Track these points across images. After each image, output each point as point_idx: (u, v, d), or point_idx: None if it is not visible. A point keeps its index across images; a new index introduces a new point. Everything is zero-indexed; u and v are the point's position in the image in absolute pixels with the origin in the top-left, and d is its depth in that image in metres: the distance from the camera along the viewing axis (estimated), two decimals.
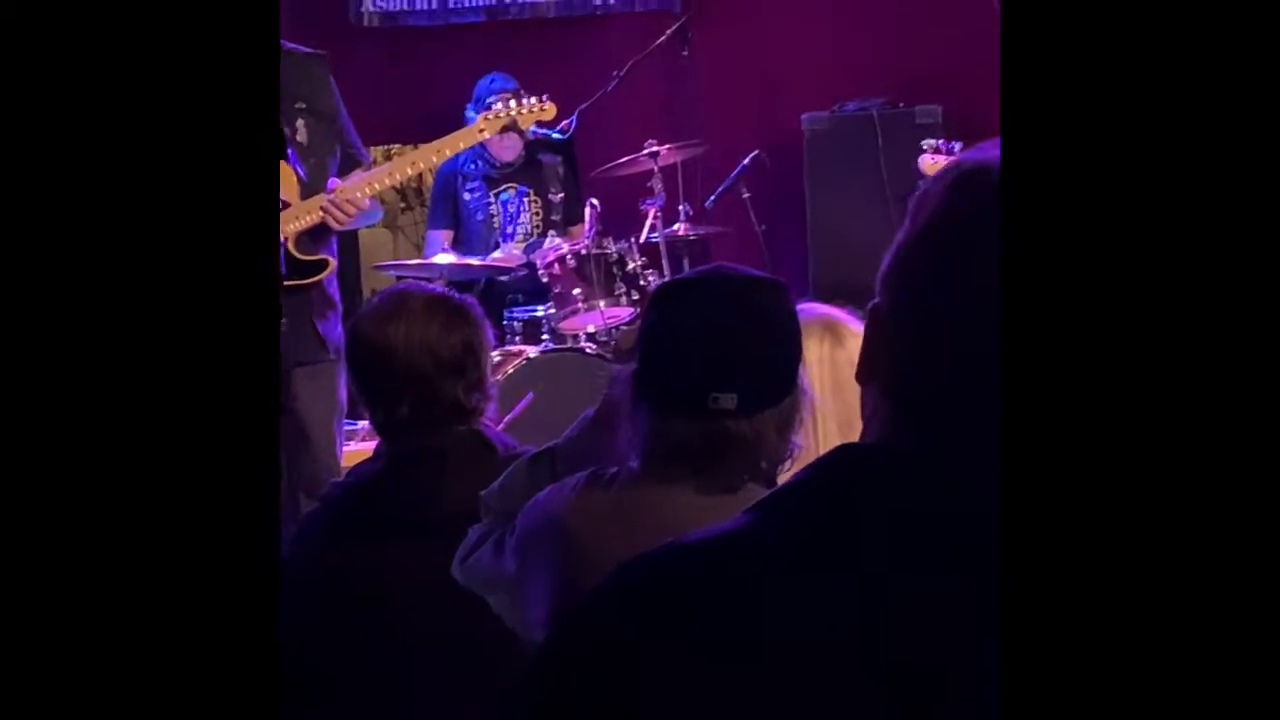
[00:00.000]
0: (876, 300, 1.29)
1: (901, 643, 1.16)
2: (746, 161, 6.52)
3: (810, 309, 2.42)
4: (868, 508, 1.22)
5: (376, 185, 4.47)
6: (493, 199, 6.41)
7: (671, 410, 2.17)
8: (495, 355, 5.55)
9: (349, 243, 6.82)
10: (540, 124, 6.12)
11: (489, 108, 4.84)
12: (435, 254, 6.23)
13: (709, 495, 2.14)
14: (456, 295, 2.99)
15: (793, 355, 2.18)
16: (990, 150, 1.27)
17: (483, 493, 2.48)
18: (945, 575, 1.18)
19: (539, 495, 2.30)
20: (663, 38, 6.68)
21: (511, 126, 4.81)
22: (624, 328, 5.73)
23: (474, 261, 6.05)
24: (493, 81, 6.08)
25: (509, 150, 6.35)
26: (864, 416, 1.30)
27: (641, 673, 1.18)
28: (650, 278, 5.80)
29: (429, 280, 5.06)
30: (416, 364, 2.81)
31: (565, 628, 1.29)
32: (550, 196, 6.38)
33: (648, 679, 1.18)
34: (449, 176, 6.46)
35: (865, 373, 1.30)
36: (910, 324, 1.26)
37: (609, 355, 5.56)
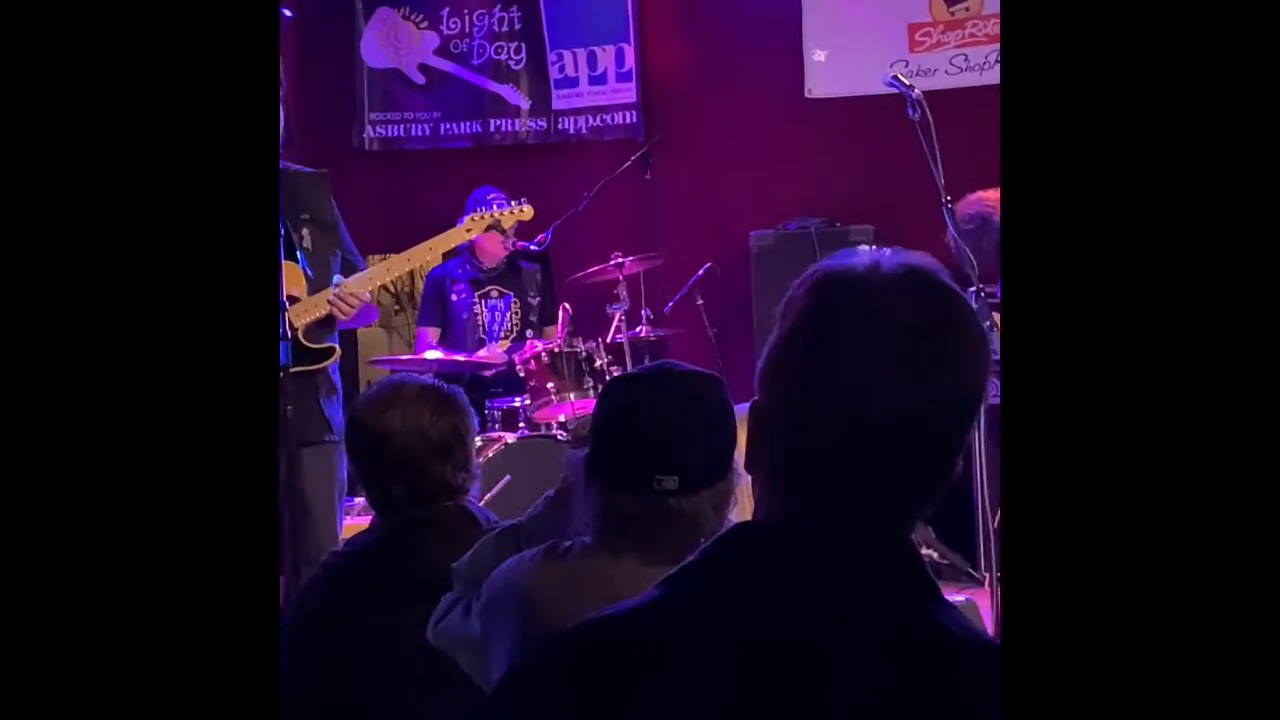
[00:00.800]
0: (756, 397, 1.32)
1: (792, 693, 1.19)
2: (700, 273, 6.58)
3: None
4: (754, 574, 1.26)
5: (377, 281, 4.52)
6: (478, 301, 6.45)
7: (620, 489, 2.20)
8: (478, 441, 5.56)
9: (349, 340, 6.85)
10: (520, 238, 6.20)
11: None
12: (425, 349, 6.27)
13: (652, 565, 2.15)
14: (445, 386, 3.01)
15: (729, 441, 2.21)
16: (843, 257, 1.30)
17: (454, 564, 2.49)
18: (819, 626, 1.22)
19: (502, 565, 2.31)
20: (628, 163, 6.76)
21: (495, 226, 4.84)
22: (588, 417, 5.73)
23: (460, 358, 6.08)
24: (484, 192, 6.13)
25: (493, 256, 6.40)
26: (754, 497, 1.34)
27: None
28: (615, 373, 5.83)
29: (420, 373, 5.09)
30: (410, 447, 2.83)
31: (502, 693, 1.31)
32: (529, 300, 6.44)
33: None
34: (439, 279, 6.50)
35: (750, 460, 1.34)
36: (784, 414, 1.28)
37: (573, 442, 5.57)
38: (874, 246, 6.71)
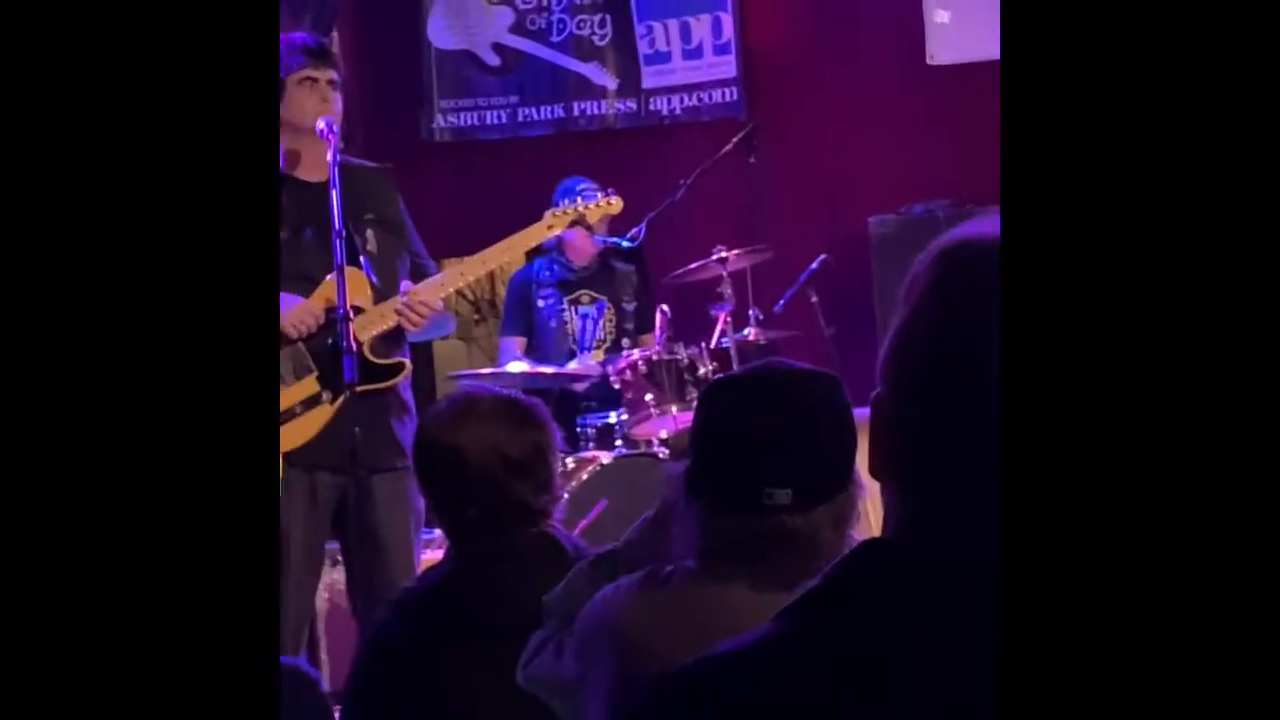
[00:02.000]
0: (878, 390, 1.28)
1: None
2: (814, 265, 6.54)
3: None
4: (884, 606, 1.22)
5: (450, 286, 4.53)
6: (567, 306, 6.44)
7: (725, 507, 2.18)
8: (569, 462, 5.57)
9: (423, 355, 6.87)
10: (611, 233, 6.18)
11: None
12: (509, 361, 6.26)
13: (765, 593, 2.13)
14: (523, 397, 3.01)
15: (847, 449, 2.18)
16: (970, 226, 1.27)
17: (545, 597, 2.48)
18: (948, 667, 1.18)
19: (596, 596, 2.30)
20: (729, 146, 6.72)
21: (579, 221, 4.83)
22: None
23: (548, 370, 6.07)
24: (573, 183, 6.11)
25: (583, 255, 6.38)
26: (883, 509, 1.29)
27: None
28: None
29: (504, 388, 5.10)
30: (485, 466, 2.83)
31: None
32: (624, 305, 6.42)
33: None
34: (523, 283, 6.49)
35: (875, 465, 1.29)
36: (910, 409, 1.25)
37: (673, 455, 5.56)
38: None
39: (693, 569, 2.22)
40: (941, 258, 1.26)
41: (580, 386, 6.19)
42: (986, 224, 1.26)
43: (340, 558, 4.71)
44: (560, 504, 4.84)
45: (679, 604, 2.19)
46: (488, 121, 7.78)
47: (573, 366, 6.20)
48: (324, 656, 5.21)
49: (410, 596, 2.90)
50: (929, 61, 7.12)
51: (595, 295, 6.47)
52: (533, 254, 6.41)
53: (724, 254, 6.10)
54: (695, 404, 5.60)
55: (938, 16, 7.09)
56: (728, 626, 1.34)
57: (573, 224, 4.81)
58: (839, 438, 2.18)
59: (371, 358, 4.33)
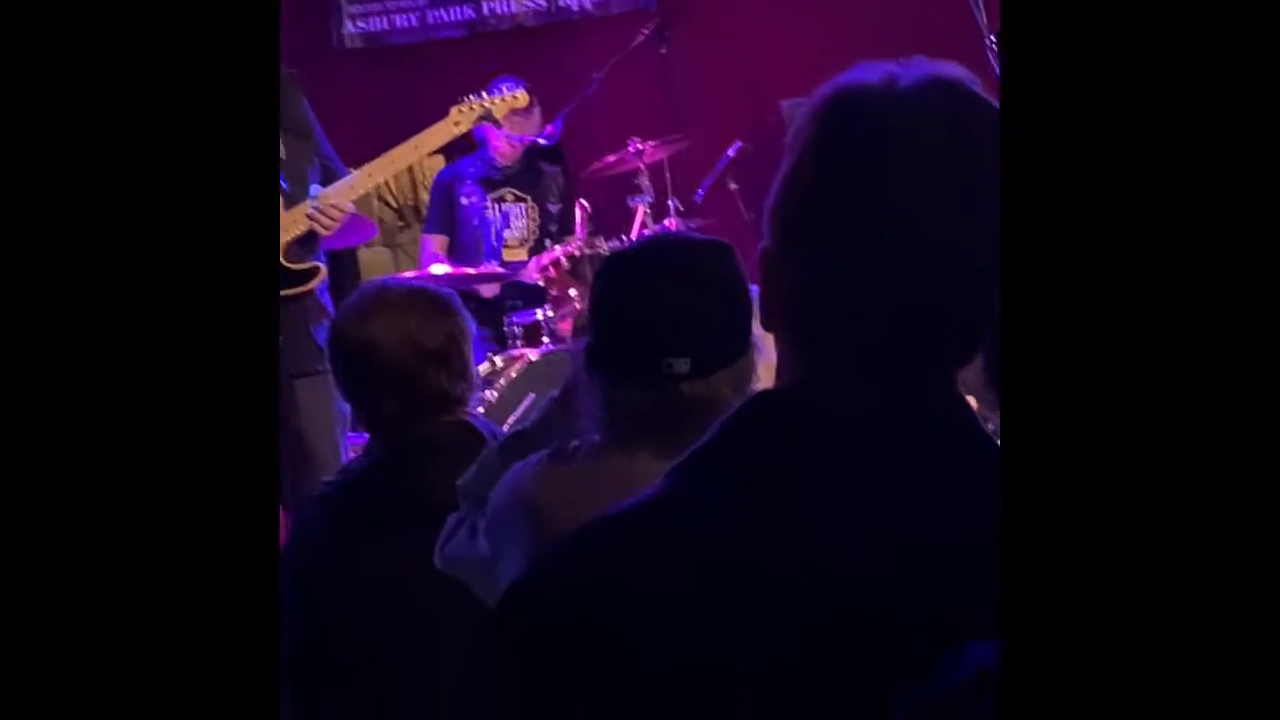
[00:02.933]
0: (764, 243, 1.28)
1: (828, 584, 1.17)
2: (731, 152, 6.53)
3: None
4: (771, 457, 1.22)
5: (360, 189, 4.51)
6: (491, 205, 6.41)
7: (625, 379, 2.19)
8: (498, 360, 5.58)
9: (349, 262, 6.84)
10: (525, 131, 6.15)
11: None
12: (430, 261, 6.24)
13: (670, 460, 2.15)
14: (435, 286, 3.00)
15: (743, 314, 2.19)
16: (856, 73, 1.25)
17: (459, 481, 2.49)
18: (855, 507, 1.19)
19: (506, 475, 2.32)
20: (639, 38, 6.69)
21: (486, 117, 4.80)
22: None
23: (470, 271, 6.06)
24: (497, 81, 6.04)
25: (506, 155, 6.35)
26: (777, 361, 1.30)
27: (576, 649, 1.19)
28: None
29: None
30: (399, 356, 2.83)
31: (503, 614, 1.27)
32: (549, 205, 6.41)
33: (582, 655, 1.18)
34: (447, 181, 6.46)
35: (765, 317, 1.29)
36: (795, 260, 1.25)
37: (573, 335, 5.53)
38: None
39: (598, 442, 2.23)
40: (825, 107, 1.25)
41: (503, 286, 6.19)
42: (869, 71, 1.25)
43: None
44: (486, 399, 4.85)
45: (587, 477, 2.20)
46: (397, 25, 7.70)
47: (496, 267, 6.19)
48: None
49: (331, 490, 2.91)
50: None
51: (519, 194, 6.45)
52: (457, 153, 6.38)
53: (640, 146, 6.09)
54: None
55: None
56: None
57: (480, 120, 4.79)
58: (734, 303, 2.19)
59: (285, 263, 4.32)
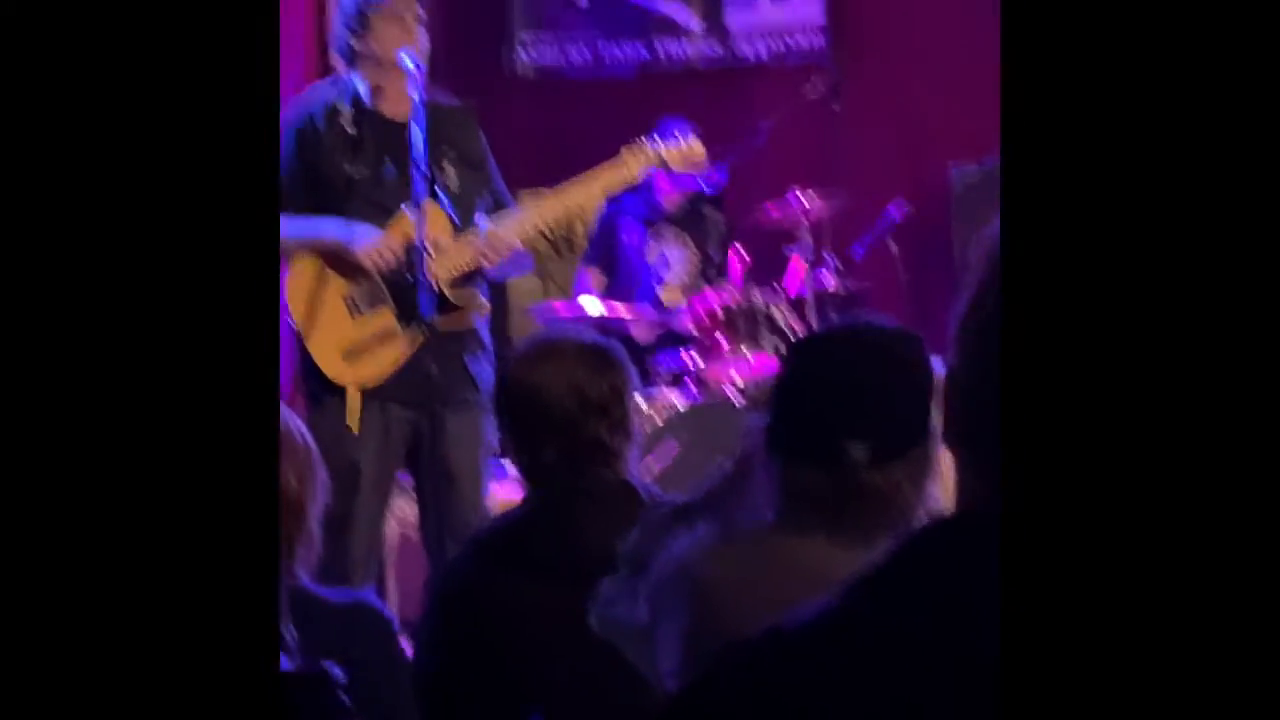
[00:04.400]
0: (950, 359, 1.27)
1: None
2: (894, 213, 6.49)
3: None
4: (948, 583, 1.21)
5: (528, 226, 4.51)
6: (651, 245, 6.41)
7: (803, 461, 2.18)
8: (640, 402, 5.58)
9: (496, 289, 6.87)
10: (694, 175, 6.14)
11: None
12: (583, 293, 6.26)
13: (841, 548, 2.14)
14: (603, 339, 3.04)
15: (925, 403, 2.18)
16: None
17: (621, 547, 2.50)
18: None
19: (673, 546, 2.31)
20: (815, 94, 6.67)
21: (660, 164, 4.77)
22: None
23: (622, 309, 6.06)
24: (669, 123, 6.03)
25: (668, 196, 6.36)
26: (957, 479, 1.28)
27: None
28: (795, 326, 5.80)
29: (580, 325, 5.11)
30: (564, 406, 2.86)
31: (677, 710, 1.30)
32: (709, 252, 6.39)
33: None
34: (611, 216, 6.45)
35: (948, 434, 1.28)
36: (978, 381, 1.24)
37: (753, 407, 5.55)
38: None
39: (770, 522, 2.23)
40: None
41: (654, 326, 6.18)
42: None
43: (410, 490, 4.76)
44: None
45: (755, 557, 2.20)
46: (570, 58, 7.73)
47: (646, 309, 6.18)
48: (392, 586, 5.26)
49: (485, 535, 2.94)
50: None
51: (680, 237, 6.45)
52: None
53: (801, 198, 6.08)
54: (775, 352, 5.68)
55: None
56: (804, 580, 1.35)
57: (653, 167, 4.75)
58: (919, 396, 2.18)
59: (449, 295, 4.35)
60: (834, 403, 2.17)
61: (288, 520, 2.31)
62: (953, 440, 1.28)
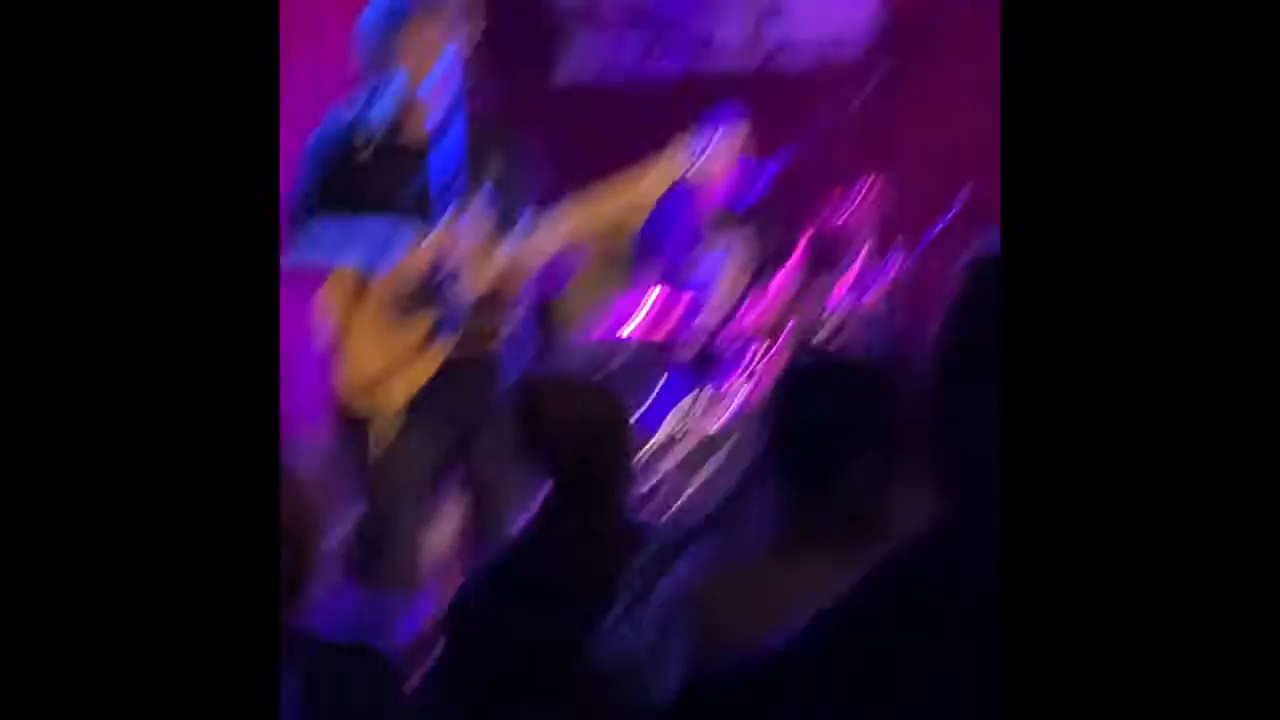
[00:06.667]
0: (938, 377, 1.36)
1: None
2: (958, 204, 6.39)
3: None
4: (942, 596, 1.28)
5: (564, 234, 4.48)
6: (693, 254, 6.38)
7: (802, 485, 2.22)
8: (674, 423, 5.58)
9: (535, 305, 6.86)
10: (741, 176, 6.12)
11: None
12: (627, 300, 6.24)
13: (842, 569, 2.15)
14: (602, 382, 3.25)
15: (919, 425, 2.20)
16: None
17: (626, 570, 2.54)
18: None
19: (674, 571, 2.35)
20: (856, 103, 6.66)
21: (700, 170, 4.73)
22: None
23: (661, 332, 6.05)
24: (717, 123, 6.01)
25: (714, 202, 6.35)
26: None
27: None
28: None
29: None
30: (564, 442, 2.99)
31: None
32: (752, 260, 6.35)
33: None
34: (656, 220, 6.39)
35: (939, 452, 1.39)
36: (962, 395, 1.33)
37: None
38: None
39: (769, 546, 2.25)
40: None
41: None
42: None
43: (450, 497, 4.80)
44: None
45: (755, 578, 2.23)
46: (612, 68, 7.73)
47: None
48: (432, 596, 5.29)
49: (492, 562, 3.03)
50: None
51: (724, 244, 6.40)
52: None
53: (865, 189, 6.06)
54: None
55: None
56: (805, 603, 1.37)
57: (690, 171, 4.69)
58: (913, 417, 2.19)
59: (483, 309, 4.37)
60: (830, 426, 2.20)
61: (292, 562, 2.30)
62: (945, 456, 1.33)
